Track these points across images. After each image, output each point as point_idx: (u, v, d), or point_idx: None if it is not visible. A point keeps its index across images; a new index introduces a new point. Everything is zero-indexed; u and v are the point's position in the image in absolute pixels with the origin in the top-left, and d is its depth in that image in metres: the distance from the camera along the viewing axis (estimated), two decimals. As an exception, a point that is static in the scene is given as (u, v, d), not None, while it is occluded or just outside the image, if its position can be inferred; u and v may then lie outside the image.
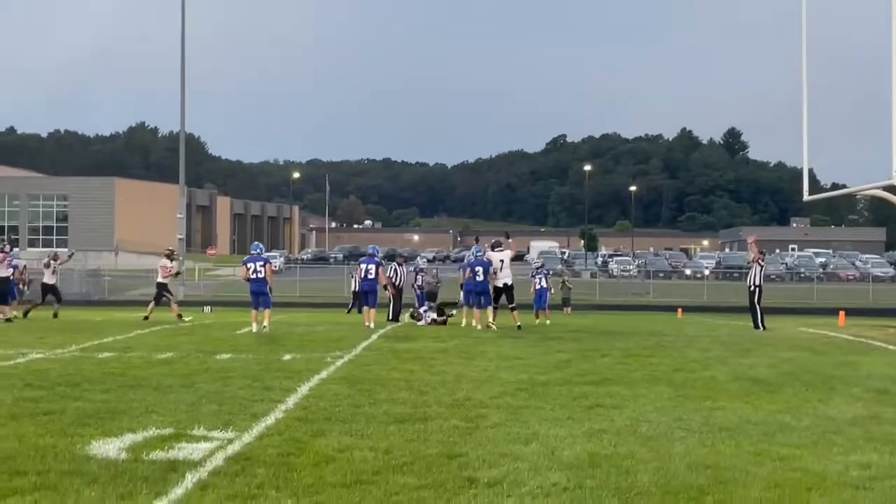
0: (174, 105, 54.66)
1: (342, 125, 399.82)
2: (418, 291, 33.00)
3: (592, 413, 9.61)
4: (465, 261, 24.89)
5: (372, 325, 22.93)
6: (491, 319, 22.96)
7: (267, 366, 13.67)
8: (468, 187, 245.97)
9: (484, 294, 23.49)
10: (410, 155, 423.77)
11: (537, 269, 34.52)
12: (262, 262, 22.24)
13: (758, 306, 25.88)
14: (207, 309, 30.83)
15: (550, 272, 28.80)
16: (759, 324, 25.55)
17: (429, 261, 28.05)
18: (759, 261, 26.54)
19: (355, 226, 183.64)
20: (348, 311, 29.79)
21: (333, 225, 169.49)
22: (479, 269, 23.45)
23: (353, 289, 36.28)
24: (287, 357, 14.99)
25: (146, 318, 26.50)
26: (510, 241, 24.79)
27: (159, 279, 27.58)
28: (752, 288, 26.22)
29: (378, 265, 24.59)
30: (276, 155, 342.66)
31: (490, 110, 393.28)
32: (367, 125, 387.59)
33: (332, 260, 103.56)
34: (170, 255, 28.35)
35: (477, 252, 24.04)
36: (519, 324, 23.01)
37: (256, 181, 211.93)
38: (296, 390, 11.01)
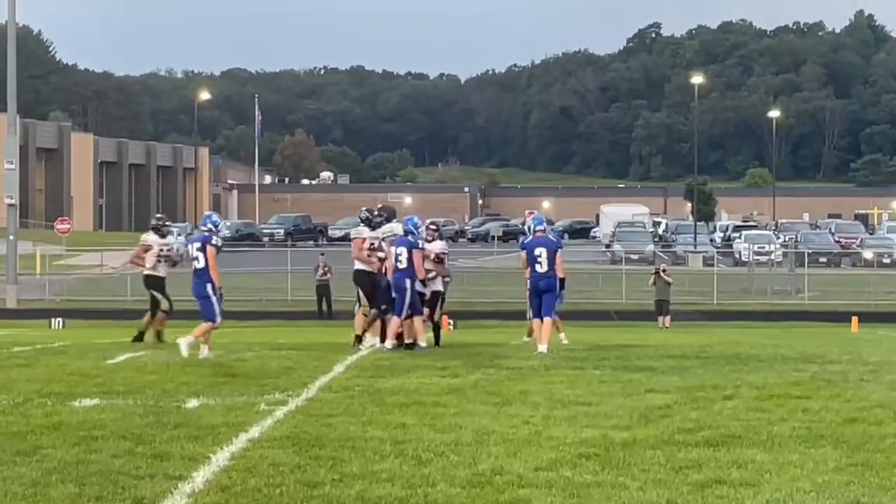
0: (-2, -21, 54.64)
1: (281, 15, 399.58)
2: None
3: (708, 494, 9.63)
4: (520, 241, 25.45)
5: (423, 344, 24.04)
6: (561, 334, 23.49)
7: (159, 418, 13.71)
8: (495, 115, 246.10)
9: (548, 293, 24.03)
10: (397, 63, 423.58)
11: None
12: (199, 243, 22.54)
13: None
14: (57, 322, 30.93)
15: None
16: None
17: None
18: None
19: (306, 181, 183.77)
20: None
21: (268, 180, 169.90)
22: (543, 251, 23.87)
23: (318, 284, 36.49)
24: (193, 403, 15.04)
25: (138, 337, 26.79)
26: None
27: (148, 270, 27.15)
28: None
29: (413, 248, 25.11)
30: (171, 63, 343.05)
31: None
32: (322, 13, 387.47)
33: (266, 239, 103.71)
34: (159, 228, 28.11)
35: (537, 224, 24.51)
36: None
37: (138, 107, 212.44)
38: (208, 459, 11.04)
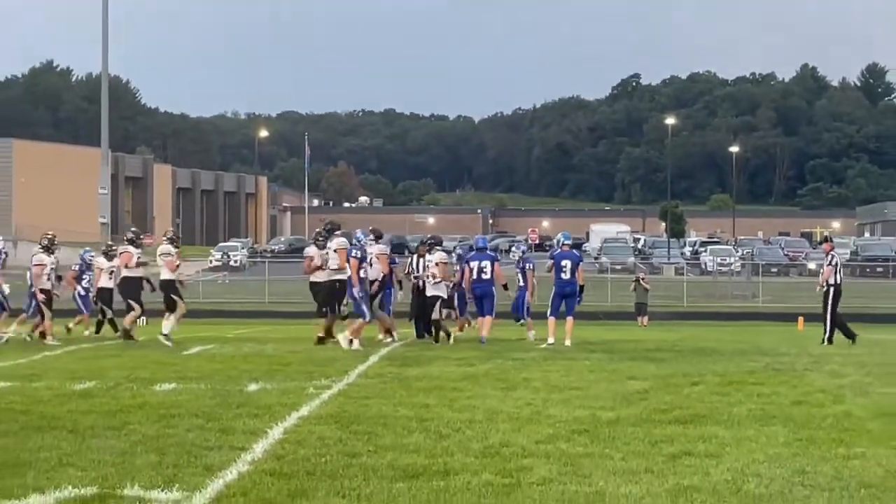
0: (94, 37, 54.80)
1: (326, 64, 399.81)
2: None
3: (679, 464, 9.60)
4: (550, 252, 25.56)
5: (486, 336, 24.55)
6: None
7: (225, 399, 13.72)
8: (503, 150, 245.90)
9: (570, 297, 24.38)
10: (422, 105, 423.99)
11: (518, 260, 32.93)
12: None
13: None
14: (141, 321, 30.90)
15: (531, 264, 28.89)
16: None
17: (449, 252, 28.09)
18: None
19: (346, 204, 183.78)
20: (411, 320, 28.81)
21: (316, 203, 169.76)
22: (568, 263, 24.25)
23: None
24: (253, 387, 15.04)
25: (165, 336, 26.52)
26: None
27: (165, 275, 26.38)
28: None
29: (494, 260, 25.54)
30: (236, 106, 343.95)
31: (532, 41, 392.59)
32: (361, 64, 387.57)
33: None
34: (173, 240, 27.05)
35: (565, 239, 24.93)
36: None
37: (208, 143, 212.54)
38: (266, 433, 11.03)
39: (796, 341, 27.12)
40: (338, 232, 24.78)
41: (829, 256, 28.10)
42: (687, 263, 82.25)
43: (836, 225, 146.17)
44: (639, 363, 19.16)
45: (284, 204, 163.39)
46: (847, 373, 17.59)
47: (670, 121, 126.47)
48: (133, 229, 28.84)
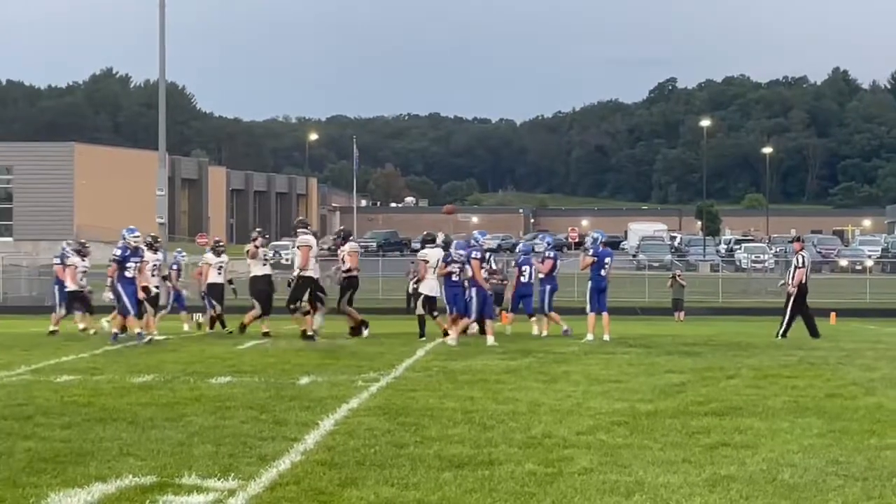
0: (151, 46, 55.08)
1: (374, 70, 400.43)
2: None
3: (716, 454, 9.57)
4: (589, 246, 25.19)
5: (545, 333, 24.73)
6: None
7: (278, 392, 13.77)
8: (544, 152, 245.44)
9: (605, 293, 24.22)
10: (465, 109, 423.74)
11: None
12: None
13: None
14: (197, 316, 30.91)
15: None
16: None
17: (493, 250, 27.77)
18: None
19: (393, 204, 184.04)
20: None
21: (364, 203, 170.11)
22: (609, 260, 24.24)
23: (409, 289, 36.28)
24: (304, 381, 15.09)
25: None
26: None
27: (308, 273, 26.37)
28: None
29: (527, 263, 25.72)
30: (287, 111, 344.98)
31: (572, 47, 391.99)
32: (406, 70, 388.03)
33: (362, 250, 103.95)
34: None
35: (605, 238, 24.79)
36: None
37: (261, 146, 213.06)
38: (317, 425, 11.07)
39: (828, 337, 26.90)
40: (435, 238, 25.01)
41: (800, 257, 27.59)
42: (722, 261, 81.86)
43: (866, 223, 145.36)
44: (676, 357, 19.10)
45: (334, 204, 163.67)
46: (879, 366, 17.49)
47: (705, 123, 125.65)
48: (258, 229, 28.36)
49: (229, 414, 11.87)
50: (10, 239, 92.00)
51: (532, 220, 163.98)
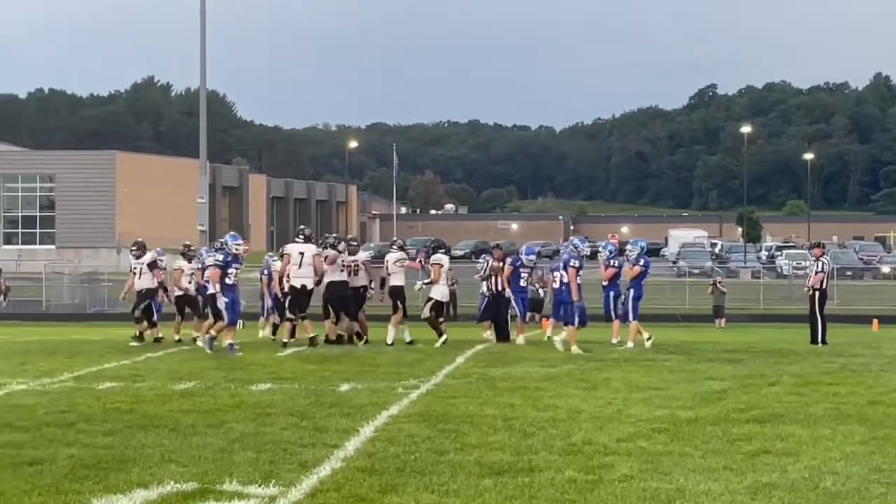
0: (192, 54, 55.25)
1: (413, 77, 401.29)
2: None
3: (757, 462, 9.54)
4: (636, 257, 24.98)
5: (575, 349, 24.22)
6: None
7: (318, 399, 13.80)
8: (583, 158, 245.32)
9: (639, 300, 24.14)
10: (505, 116, 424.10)
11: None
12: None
13: None
14: (240, 323, 30.80)
15: (543, 272, 30.09)
16: None
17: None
18: None
19: (433, 211, 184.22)
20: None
21: (403, 210, 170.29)
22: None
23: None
24: (344, 387, 15.12)
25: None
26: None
27: (396, 282, 26.18)
28: None
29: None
30: (327, 118, 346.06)
31: (612, 53, 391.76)
32: (445, 76, 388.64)
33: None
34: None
35: (639, 245, 24.74)
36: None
37: (301, 153, 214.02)
38: (357, 431, 11.10)
39: (871, 343, 26.74)
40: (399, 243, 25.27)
41: (820, 263, 27.45)
42: (763, 267, 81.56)
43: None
44: (717, 364, 19.04)
45: (373, 211, 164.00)
46: (921, 373, 17.38)
47: (746, 129, 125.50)
48: (335, 235, 28.27)
49: (270, 421, 11.91)
50: (52, 247, 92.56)
51: (572, 227, 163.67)
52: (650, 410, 12.75)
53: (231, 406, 13.13)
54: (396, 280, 24.67)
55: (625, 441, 10.56)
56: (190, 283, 26.39)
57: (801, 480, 8.75)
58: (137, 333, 25.34)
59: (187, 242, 28.41)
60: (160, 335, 25.69)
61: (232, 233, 23.94)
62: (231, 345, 21.76)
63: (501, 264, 25.50)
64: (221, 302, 22.19)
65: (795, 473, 9.02)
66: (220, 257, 22.54)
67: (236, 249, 22.88)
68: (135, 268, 26.11)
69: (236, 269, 22.86)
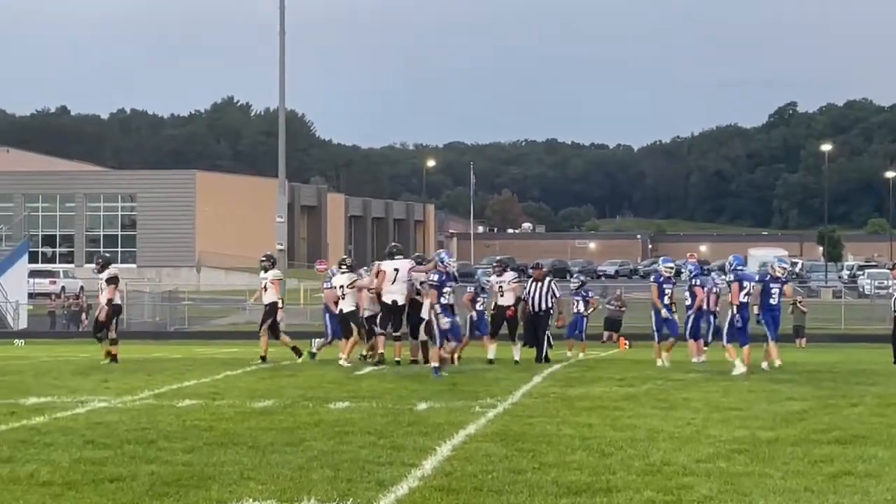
0: (271, 75, 55.69)
1: (489, 97, 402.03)
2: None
3: (839, 483, 9.43)
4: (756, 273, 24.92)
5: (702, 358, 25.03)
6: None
7: (395, 418, 13.83)
8: (662, 177, 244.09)
9: (777, 319, 23.84)
10: (582, 135, 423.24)
11: (577, 288, 35.83)
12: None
13: None
14: (316, 343, 30.71)
15: (591, 293, 34.61)
16: None
17: (610, 276, 27.86)
18: None
19: (510, 230, 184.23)
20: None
21: (481, 229, 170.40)
22: (776, 289, 23.55)
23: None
24: (422, 406, 15.13)
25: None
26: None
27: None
28: None
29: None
30: (404, 138, 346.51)
31: (689, 71, 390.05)
32: (523, 96, 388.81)
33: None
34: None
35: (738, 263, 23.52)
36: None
37: (379, 172, 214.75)
38: (434, 450, 11.10)
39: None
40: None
41: None
42: (845, 287, 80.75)
43: None
44: (797, 384, 18.88)
45: (451, 230, 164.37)
46: None
47: (826, 147, 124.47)
48: (417, 254, 28.00)
49: (348, 439, 11.95)
50: (133, 266, 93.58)
51: (650, 246, 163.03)
52: (730, 431, 12.65)
53: (309, 424, 13.19)
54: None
55: (704, 462, 10.49)
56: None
57: (883, 502, 8.65)
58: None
59: (343, 256, 28.08)
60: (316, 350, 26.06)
61: (444, 250, 23.77)
62: (436, 368, 20.63)
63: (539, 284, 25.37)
64: (445, 322, 21.23)
65: (878, 496, 8.92)
66: (435, 277, 21.39)
67: (449, 267, 22.02)
68: (262, 283, 26.08)
69: (451, 287, 21.96)
